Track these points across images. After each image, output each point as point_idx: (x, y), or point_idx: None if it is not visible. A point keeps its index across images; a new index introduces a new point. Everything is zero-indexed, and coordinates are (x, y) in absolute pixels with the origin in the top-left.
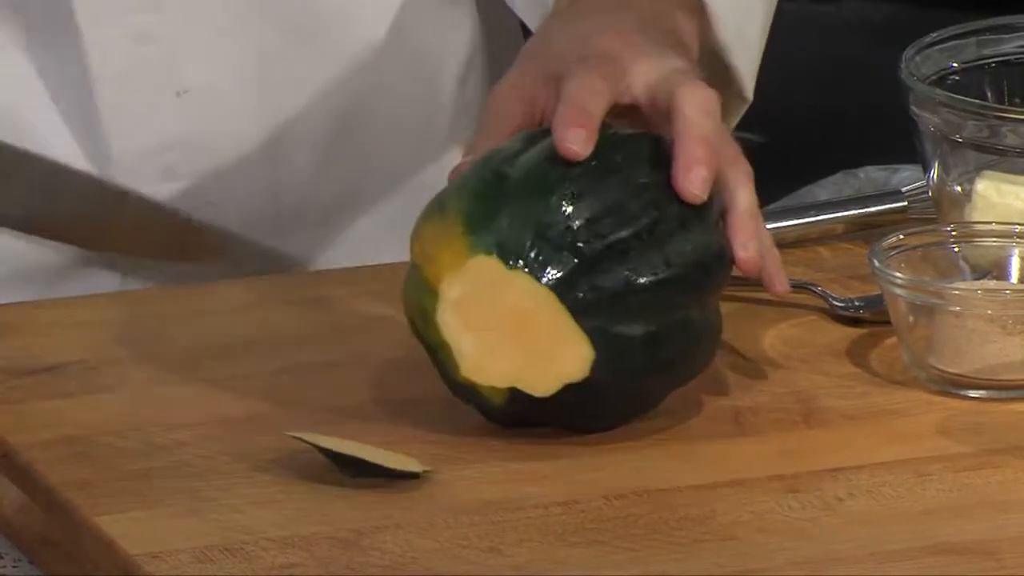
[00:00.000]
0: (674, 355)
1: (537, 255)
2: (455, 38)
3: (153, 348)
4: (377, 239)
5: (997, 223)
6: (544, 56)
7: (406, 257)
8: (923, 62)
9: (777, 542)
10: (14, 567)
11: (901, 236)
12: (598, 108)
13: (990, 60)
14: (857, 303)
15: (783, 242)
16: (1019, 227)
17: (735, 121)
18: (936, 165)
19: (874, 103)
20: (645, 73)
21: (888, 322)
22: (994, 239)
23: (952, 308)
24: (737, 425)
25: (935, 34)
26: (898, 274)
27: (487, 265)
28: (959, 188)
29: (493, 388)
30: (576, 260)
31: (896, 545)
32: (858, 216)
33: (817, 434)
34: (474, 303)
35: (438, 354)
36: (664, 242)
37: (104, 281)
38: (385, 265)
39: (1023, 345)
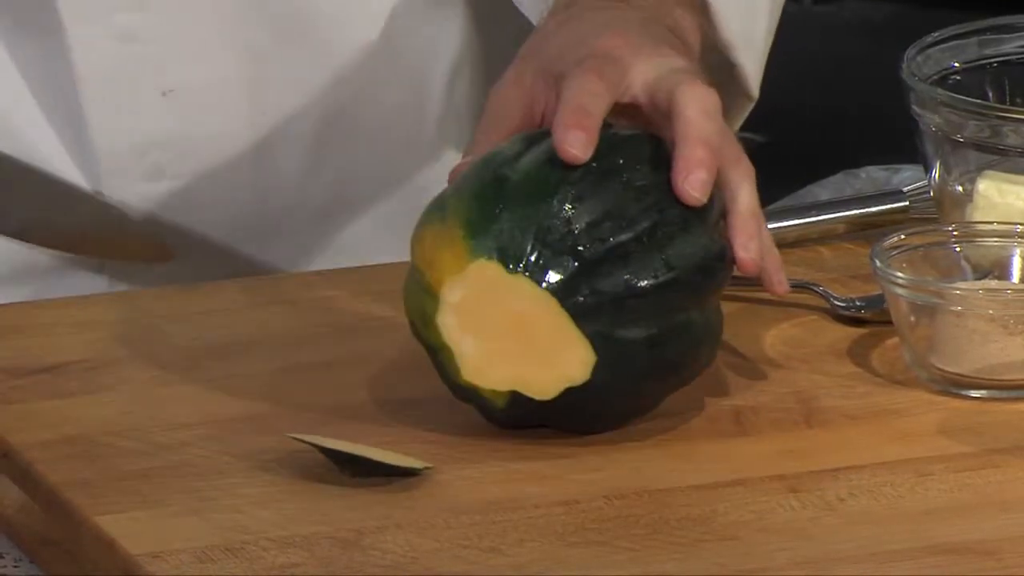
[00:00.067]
0: (675, 357)
1: (538, 259)
2: (444, 41)
3: (153, 348)
4: (366, 241)
5: (998, 223)
6: (543, 55)
7: (396, 259)
8: (924, 62)
9: (778, 542)
10: (15, 567)
11: (902, 236)
12: (598, 109)
13: (991, 60)
14: (858, 303)
15: (784, 242)
16: (1020, 227)
17: (741, 120)
18: (937, 165)
19: (875, 103)
20: (645, 72)
21: (889, 322)
22: (995, 239)
23: (953, 308)
24: (738, 425)
25: (936, 34)
26: (899, 274)
27: (488, 269)
28: (960, 188)
29: (494, 391)
30: (577, 264)
31: (897, 545)
32: (859, 216)
33: (818, 434)
34: (475, 307)
35: (439, 357)
36: (665, 245)
37: (91, 283)
38: (385, 265)
39: None
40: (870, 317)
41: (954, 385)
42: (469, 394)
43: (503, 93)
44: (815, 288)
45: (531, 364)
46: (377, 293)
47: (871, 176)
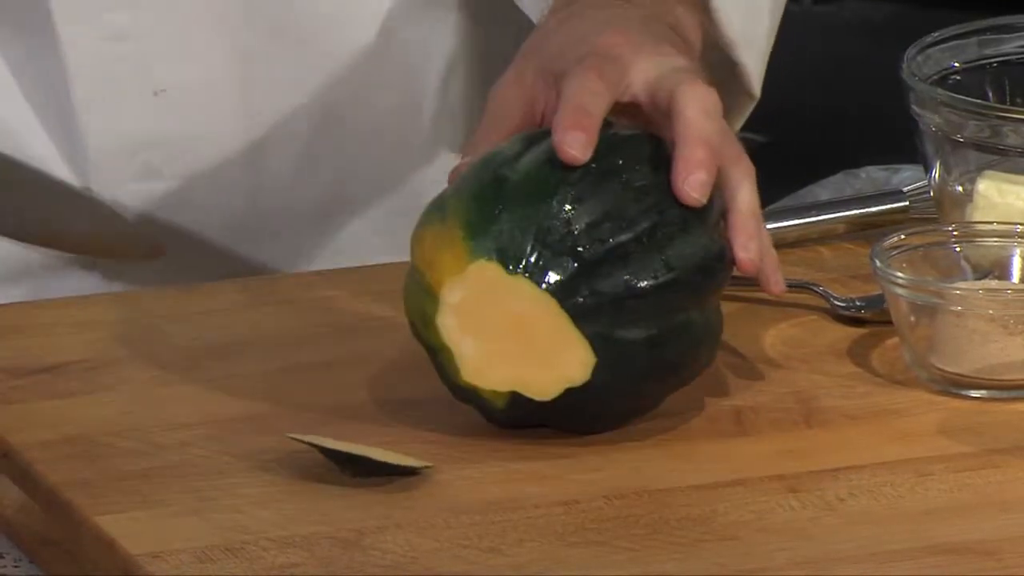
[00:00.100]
0: (675, 357)
1: (537, 260)
2: (438, 41)
3: (153, 348)
4: (361, 242)
5: (998, 223)
6: (544, 53)
7: (392, 259)
8: (924, 62)
9: (778, 542)
10: (15, 567)
11: (902, 236)
12: (598, 109)
13: (991, 60)
14: (858, 303)
15: (784, 242)
16: (1020, 227)
17: (743, 119)
18: (937, 165)
19: (875, 103)
20: (645, 71)
21: (889, 322)
22: (995, 239)
23: (953, 308)
24: (738, 425)
25: (936, 34)
26: (899, 274)
27: (488, 270)
28: (960, 188)
29: (494, 392)
30: (576, 264)
31: (896, 545)
32: (859, 216)
33: (818, 434)
34: (475, 308)
35: (439, 357)
36: (664, 245)
37: (85, 281)
38: (385, 265)
39: None
40: (870, 317)
41: (954, 385)
42: (469, 395)
43: (503, 93)
44: (815, 288)
45: (531, 365)
46: (377, 293)
47: (871, 176)
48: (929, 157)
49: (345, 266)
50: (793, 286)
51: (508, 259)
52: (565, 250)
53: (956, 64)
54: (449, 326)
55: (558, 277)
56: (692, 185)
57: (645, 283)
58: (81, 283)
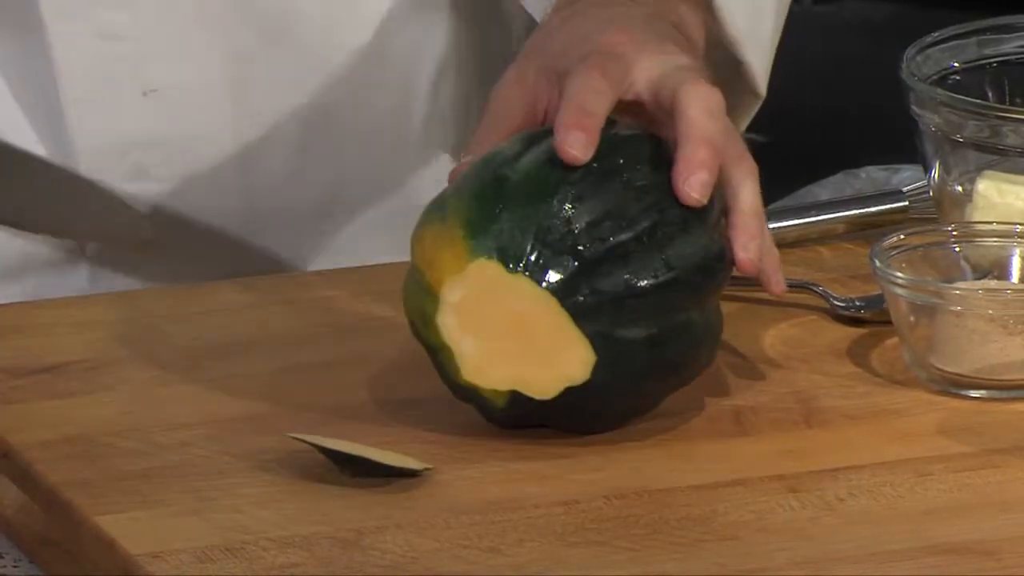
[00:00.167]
0: (675, 357)
1: (538, 259)
2: (430, 43)
3: (153, 348)
4: (355, 243)
5: (998, 223)
6: (546, 52)
7: (385, 259)
8: (924, 62)
9: (778, 542)
10: (14, 567)
11: (902, 236)
12: (600, 108)
13: (991, 60)
14: (858, 303)
15: (784, 242)
16: (1020, 227)
17: (748, 119)
18: (937, 165)
19: (875, 103)
20: (648, 70)
21: (889, 322)
22: (995, 239)
23: (953, 308)
24: (738, 425)
25: (936, 34)
26: (899, 274)
27: (488, 269)
28: (960, 188)
29: (494, 391)
30: (577, 263)
31: (896, 545)
32: (859, 216)
33: (818, 434)
34: (475, 306)
35: (439, 356)
36: (665, 245)
37: (74, 278)
38: (385, 265)
39: None
40: (870, 317)
41: (954, 385)
42: (469, 394)
43: (505, 93)
44: (815, 288)
45: (531, 364)
46: (377, 293)
47: (871, 176)
48: (929, 157)
49: (344, 266)
50: (793, 286)
51: (508, 258)
52: (565, 249)
53: (956, 64)
54: (449, 325)
55: (558, 276)
56: (693, 185)
57: (645, 282)
58: (80, 281)
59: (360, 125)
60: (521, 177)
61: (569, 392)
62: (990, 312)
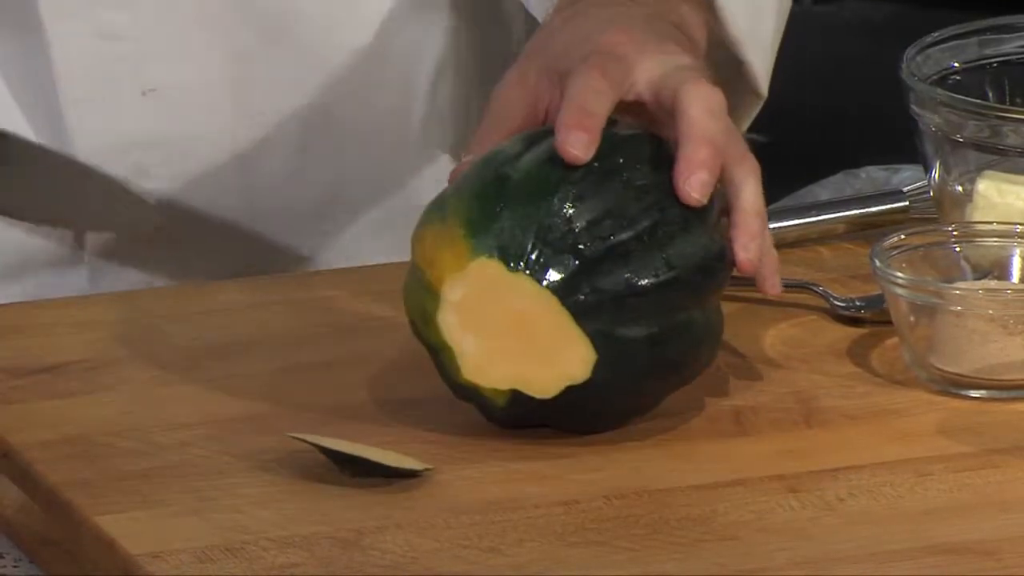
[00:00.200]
0: (675, 356)
1: (538, 257)
2: (429, 43)
3: (153, 348)
4: (358, 243)
5: (998, 223)
6: (548, 52)
7: (384, 259)
8: (924, 62)
9: (778, 542)
10: (14, 567)
11: (902, 236)
12: (601, 108)
13: (991, 60)
14: (858, 303)
15: (784, 242)
16: (1020, 227)
17: (750, 119)
18: (937, 165)
19: (875, 103)
20: (650, 70)
21: (889, 322)
22: (995, 239)
23: (953, 308)
24: (738, 425)
25: (936, 34)
26: (899, 274)
27: (489, 267)
28: (960, 188)
29: (495, 390)
30: (577, 262)
31: (896, 545)
32: (859, 216)
33: (818, 434)
34: (476, 305)
35: (439, 356)
36: (665, 244)
37: (73, 278)
38: (385, 265)
39: None
40: (870, 317)
41: (954, 385)
42: (469, 393)
43: (506, 93)
44: (815, 288)
45: (532, 362)
46: (377, 293)
47: (871, 176)
48: (929, 157)
49: (344, 266)
50: (793, 286)
51: (509, 256)
52: (566, 248)
53: (956, 64)
54: (450, 324)
55: (559, 275)
56: (693, 185)
57: (646, 281)
58: (80, 281)
59: (360, 125)
60: (522, 176)
61: (570, 391)
62: (990, 312)
